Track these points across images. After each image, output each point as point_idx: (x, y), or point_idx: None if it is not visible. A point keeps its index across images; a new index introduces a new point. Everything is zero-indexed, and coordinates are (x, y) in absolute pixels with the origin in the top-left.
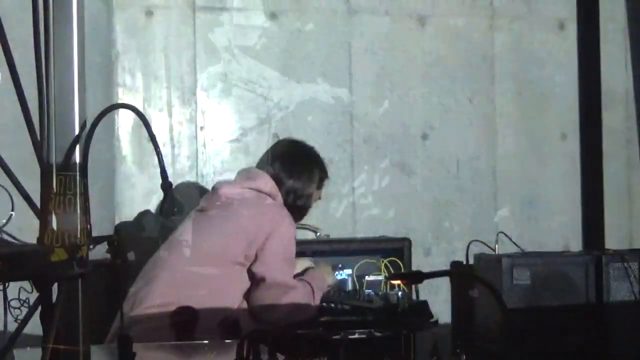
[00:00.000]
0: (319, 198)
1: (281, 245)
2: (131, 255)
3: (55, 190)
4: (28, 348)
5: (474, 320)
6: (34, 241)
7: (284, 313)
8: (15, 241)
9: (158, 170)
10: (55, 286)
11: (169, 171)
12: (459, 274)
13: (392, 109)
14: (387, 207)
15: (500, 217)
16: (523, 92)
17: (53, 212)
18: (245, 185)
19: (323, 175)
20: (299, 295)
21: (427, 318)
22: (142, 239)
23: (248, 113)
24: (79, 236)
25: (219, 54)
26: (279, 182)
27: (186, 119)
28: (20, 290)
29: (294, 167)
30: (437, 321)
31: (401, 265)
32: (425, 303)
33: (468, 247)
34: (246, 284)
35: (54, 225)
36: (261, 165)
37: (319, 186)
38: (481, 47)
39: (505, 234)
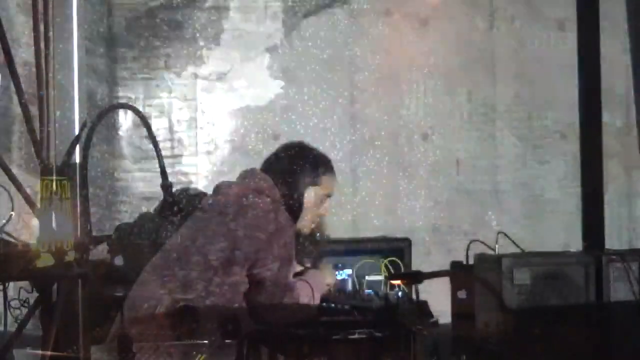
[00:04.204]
0: (328, 197)
1: (281, 247)
2: (119, 260)
3: (41, 195)
4: (28, 348)
5: (474, 320)
6: (35, 241)
7: (284, 313)
8: (16, 241)
9: (158, 170)
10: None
11: (169, 171)
12: (459, 274)
13: (392, 108)
14: (387, 207)
15: (500, 217)
16: (523, 92)
17: (38, 217)
18: (245, 186)
19: (325, 175)
20: (299, 295)
21: (427, 318)
22: (142, 239)
23: (248, 113)
24: (65, 242)
25: (219, 54)
26: (278, 183)
27: (186, 118)
28: (20, 290)
29: (293, 168)
30: (437, 321)
31: (401, 265)
32: (425, 303)
33: (468, 247)
34: (246, 285)
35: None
36: (263, 166)
37: (322, 186)
38: (481, 47)
39: (505, 234)
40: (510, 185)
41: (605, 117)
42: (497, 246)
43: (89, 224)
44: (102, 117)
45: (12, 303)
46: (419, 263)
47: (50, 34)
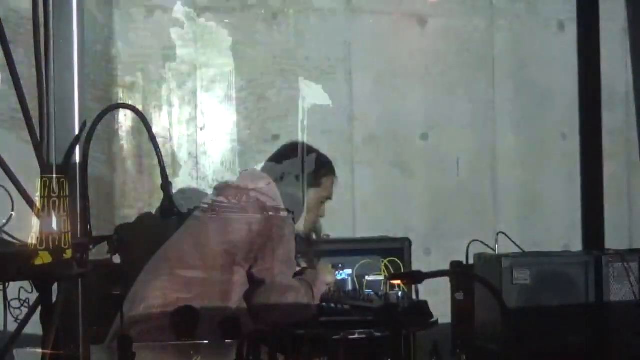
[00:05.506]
0: (329, 198)
1: (281, 247)
2: (116, 259)
3: (39, 193)
4: (28, 348)
5: (474, 320)
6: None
7: (284, 313)
8: (16, 241)
9: (158, 170)
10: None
11: (169, 171)
12: (459, 274)
13: (392, 108)
14: (387, 207)
15: (500, 217)
16: (523, 92)
17: (37, 215)
18: (246, 186)
19: (326, 177)
20: (299, 295)
21: (427, 318)
22: (142, 239)
23: (248, 113)
24: (63, 239)
25: (219, 54)
26: (279, 183)
27: (186, 119)
28: (20, 290)
29: (293, 168)
30: (437, 321)
31: (401, 265)
32: (425, 303)
33: (468, 247)
34: (246, 285)
35: (54, 227)
36: (263, 167)
37: (322, 188)
38: (481, 47)
39: (505, 234)
40: (510, 185)
41: (606, 117)
42: (497, 246)
43: (89, 224)
44: (102, 117)
45: (12, 303)
46: (419, 263)
47: (51, 33)
